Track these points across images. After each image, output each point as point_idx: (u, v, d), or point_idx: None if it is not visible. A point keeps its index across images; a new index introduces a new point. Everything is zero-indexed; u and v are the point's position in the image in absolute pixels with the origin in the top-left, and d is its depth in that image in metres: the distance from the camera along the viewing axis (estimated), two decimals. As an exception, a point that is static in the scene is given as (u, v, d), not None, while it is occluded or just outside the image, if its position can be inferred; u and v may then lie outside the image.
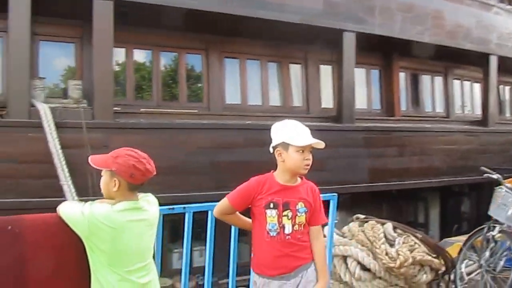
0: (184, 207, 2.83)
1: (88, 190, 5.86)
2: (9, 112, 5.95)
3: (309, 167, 2.41)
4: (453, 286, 4.48)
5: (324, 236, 2.82)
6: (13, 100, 5.93)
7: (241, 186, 2.49)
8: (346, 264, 3.90)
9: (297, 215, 2.40)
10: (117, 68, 7.33)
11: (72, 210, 2.13)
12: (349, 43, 7.54)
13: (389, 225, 4.21)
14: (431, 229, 10.20)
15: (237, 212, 2.56)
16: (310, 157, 2.41)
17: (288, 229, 2.39)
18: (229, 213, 2.54)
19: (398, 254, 3.78)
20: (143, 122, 6.65)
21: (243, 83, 8.05)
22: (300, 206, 2.41)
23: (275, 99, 8.32)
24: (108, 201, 2.16)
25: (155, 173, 2.21)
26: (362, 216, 4.35)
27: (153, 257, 2.34)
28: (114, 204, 2.12)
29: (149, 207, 2.23)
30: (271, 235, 2.39)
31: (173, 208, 2.76)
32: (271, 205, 2.40)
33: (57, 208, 2.17)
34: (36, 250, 2.11)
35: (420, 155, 8.69)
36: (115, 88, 7.44)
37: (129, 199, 2.16)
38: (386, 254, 3.74)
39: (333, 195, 3.34)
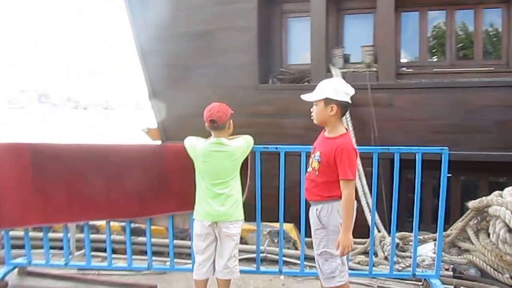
0: (277, 147, 3.69)
1: (370, 141, 7.00)
2: (312, 77, 7.66)
3: (312, 117, 3.09)
4: None
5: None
6: (315, 67, 7.62)
7: None
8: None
9: (313, 160, 3.05)
10: (410, 31, 7.97)
11: (187, 143, 3.49)
12: None
13: None
14: None
15: None
16: (314, 109, 3.07)
17: (309, 169, 3.17)
18: None
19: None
20: (424, 82, 7.19)
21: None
22: (317, 154, 3.07)
23: None
24: (210, 138, 3.40)
25: (211, 118, 3.28)
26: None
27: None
28: (207, 140, 3.36)
29: (230, 143, 3.38)
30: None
31: (267, 147, 3.67)
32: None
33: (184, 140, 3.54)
34: (171, 165, 3.63)
35: None
36: (410, 50, 8.15)
37: (215, 137, 3.37)
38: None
39: (443, 149, 3.50)
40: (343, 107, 3.05)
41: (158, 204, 3.71)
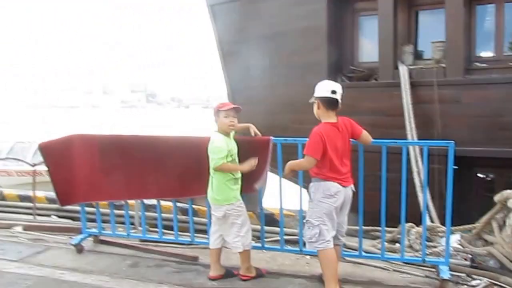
0: (295, 140, 4.12)
1: (434, 137, 7.08)
2: (380, 75, 7.90)
3: None
4: None
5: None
6: (382, 64, 7.85)
7: None
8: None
9: None
10: (486, 25, 7.85)
11: None
12: None
13: None
14: None
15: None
16: None
17: None
18: None
19: None
20: (494, 77, 7.10)
21: None
22: None
23: None
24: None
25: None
26: None
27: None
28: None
29: (211, 138, 3.99)
30: None
31: (286, 140, 4.15)
32: None
33: None
34: (206, 155, 4.03)
35: None
36: (485, 44, 8.01)
37: None
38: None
39: (449, 143, 3.64)
40: (324, 102, 3.66)
41: (195, 187, 4.34)
